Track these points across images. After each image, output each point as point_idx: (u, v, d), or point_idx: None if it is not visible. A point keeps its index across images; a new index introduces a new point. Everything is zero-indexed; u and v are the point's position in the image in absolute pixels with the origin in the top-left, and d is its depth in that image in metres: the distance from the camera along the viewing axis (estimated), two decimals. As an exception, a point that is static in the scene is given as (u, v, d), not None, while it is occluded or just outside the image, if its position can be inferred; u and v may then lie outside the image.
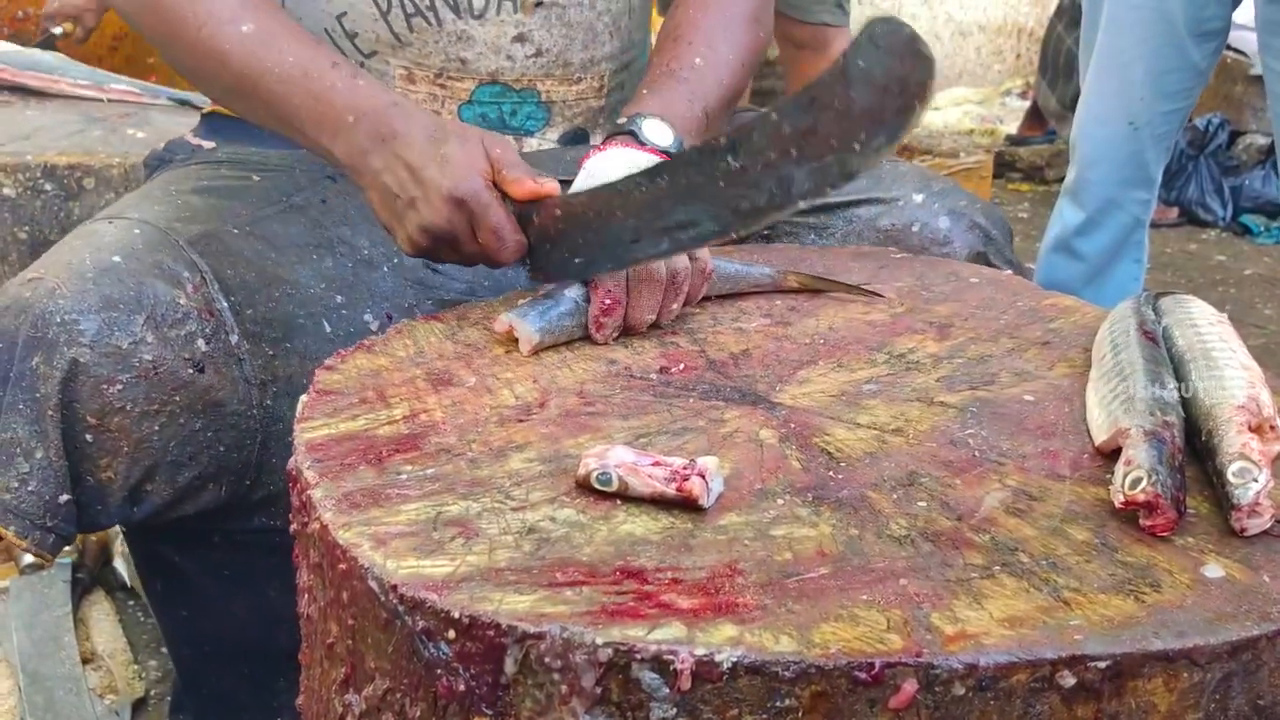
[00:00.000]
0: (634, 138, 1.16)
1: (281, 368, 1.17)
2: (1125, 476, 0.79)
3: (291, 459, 0.87)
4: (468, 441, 0.88)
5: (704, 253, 1.13)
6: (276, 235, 1.23)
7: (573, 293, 1.07)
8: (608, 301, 1.06)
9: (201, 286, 1.14)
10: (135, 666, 1.72)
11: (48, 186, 2.07)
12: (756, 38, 1.34)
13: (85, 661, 1.70)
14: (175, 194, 1.24)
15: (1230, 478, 0.79)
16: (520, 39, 1.31)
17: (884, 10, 6.04)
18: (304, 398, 0.95)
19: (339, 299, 1.23)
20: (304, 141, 1.15)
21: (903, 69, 0.86)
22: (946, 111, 5.82)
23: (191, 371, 1.11)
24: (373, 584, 0.72)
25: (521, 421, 0.92)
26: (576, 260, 1.08)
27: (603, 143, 1.19)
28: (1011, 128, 5.43)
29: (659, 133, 1.16)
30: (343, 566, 0.75)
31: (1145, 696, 0.67)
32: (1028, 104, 5.39)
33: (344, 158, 1.11)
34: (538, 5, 1.30)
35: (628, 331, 1.09)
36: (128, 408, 1.08)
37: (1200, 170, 4.46)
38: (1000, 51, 6.49)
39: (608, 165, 1.12)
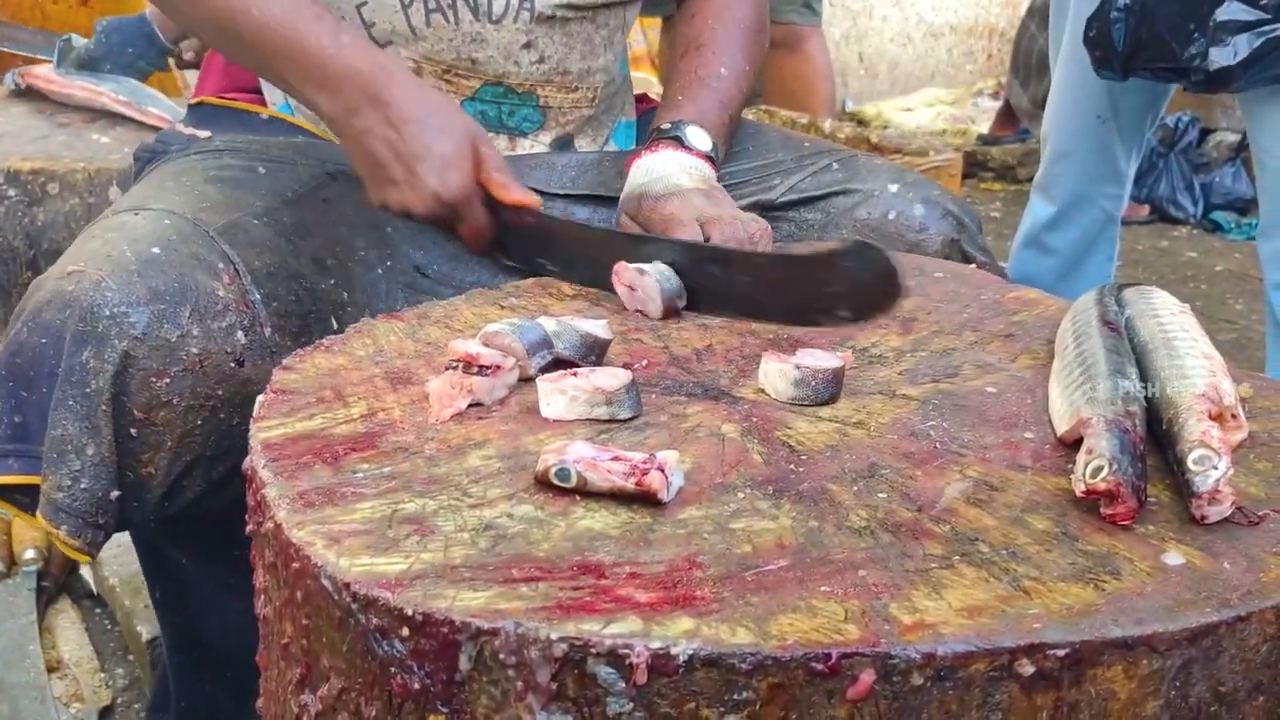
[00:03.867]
0: (679, 142, 1.31)
1: None
2: (1087, 465, 0.78)
3: (247, 459, 0.86)
4: (426, 439, 0.87)
5: (759, 220, 1.22)
6: (288, 228, 1.23)
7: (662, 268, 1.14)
8: None
9: (236, 278, 1.13)
10: (101, 675, 1.71)
11: (11, 192, 2.06)
12: (762, 47, 1.48)
13: (51, 670, 1.68)
14: (189, 185, 1.23)
15: (1190, 465, 0.79)
16: (528, 45, 1.34)
17: (855, 11, 6.05)
18: (261, 398, 0.94)
19: (344, 295, 1.24)
20: (288, 90, 1.21)
21: (879, 285, 1.02)
22: (919, 112, 5.83)
23: (233, 365, 1.10)
24: (326, 583, 0.71)
25: (481, 419, 0.91)
26: (540, 261, 1.23)
27: (650, 144, 1.31)
28: (983, 128, 5.45)
29: (700, 139, 1.32)
30: (296, 565, 0.74)
31: (1105, 684, 0.67)
32: (999, 104, 5.41)
33: (328, 111, 1.16)
34: (550, 18, 1.33)
35: None
36: (174, 401, 1.07)
37: (1171, 168, 4.48)
38: (971, 52, 6.51)
39: (664, 164, 1.29)
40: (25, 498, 1.09)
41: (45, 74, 2.46)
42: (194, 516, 1.15)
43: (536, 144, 1.41)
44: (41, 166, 2.08)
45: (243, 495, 1.14)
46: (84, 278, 1.07)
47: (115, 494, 1.06)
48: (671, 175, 1.27)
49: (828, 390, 0.93)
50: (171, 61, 2.63)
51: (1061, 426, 0.88)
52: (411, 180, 1.14)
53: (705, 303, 1.13)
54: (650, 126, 1.38)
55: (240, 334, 1.11)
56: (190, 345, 1.07)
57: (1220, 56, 1.87)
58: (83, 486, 1.05)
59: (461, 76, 1.33)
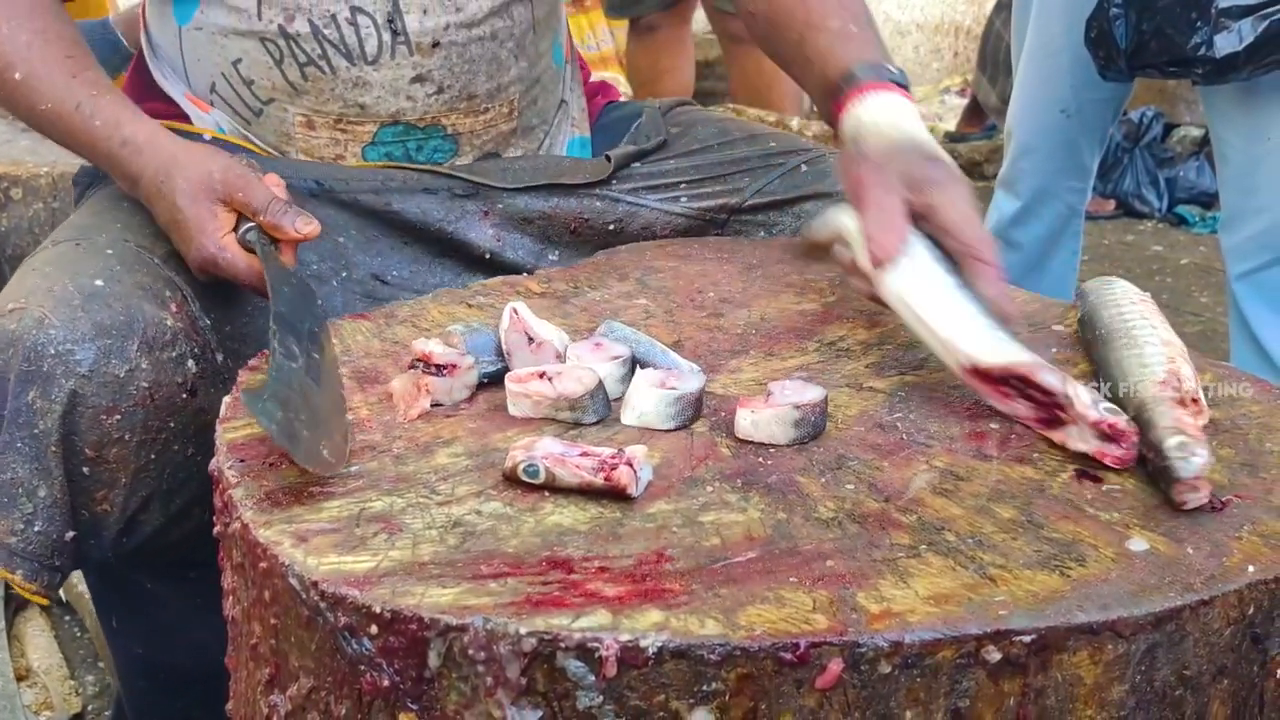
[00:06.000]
0: (898, 85, 1.12)
1: None
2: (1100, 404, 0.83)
3: (213, 460, 0.85)
4: (393, 438, 0.87)
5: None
6: None
7: None
8: None
9: (184, 305, 1.11)
10: (71, 682, 1.70)
11: (-27, 198, 2.04)
12: None
13: (20, 678, 1.67)
14: (131, 210, 1.20)
15: (1171, 451, 0.79)
16: (420, 79, 1.28)
17: (822, 10, 6.05)
18: (227, 399, 0.93)
19: None
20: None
21: None
22: (887, 110, 5.84)
23: (185, 396, 1.08)
24: (293, 581, 0.71)
25: (449, 417, 0.91)
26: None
27: (869, 84, 1.12)
28: (950, 125, 5.47)
29: (907, 83, 1.14)
30: (264, 565, 0.74)
31: (1071, 669, 0.67)
32: (966, 101, 5.44)
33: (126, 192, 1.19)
34: (435, 46, 1.27)
35: None
36: (126, 437, 1.04)
37: (1136, 163, 4.51)
38: (938, 50, 6.54)
39: (908, 115, 1.09)
40: None
41: None
42: (157, 549, 1.13)
43: (456, 168, 1.34)
44: (4, 172, 2.07)
45: (204, 525, 1.13)
46: (26, 315, 1.03)
47: (70, 535, 1.04)
48: (920, 133, 1.09)
49: (823, 420, 0.89)
50: None
51: (984, 358, 0.89)
52: (180, 245, 1.13)
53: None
54: (840, 66, 1.16)
55: (191, 363, 1.09)
56: (140, 379, 1.05)
57: (1225, 43, 1.87)
58: (36, 530, 1.02)
59: (355, 123, 1.29)
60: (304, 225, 1.11)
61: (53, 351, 1.02)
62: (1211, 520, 0.77)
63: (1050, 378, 0.86)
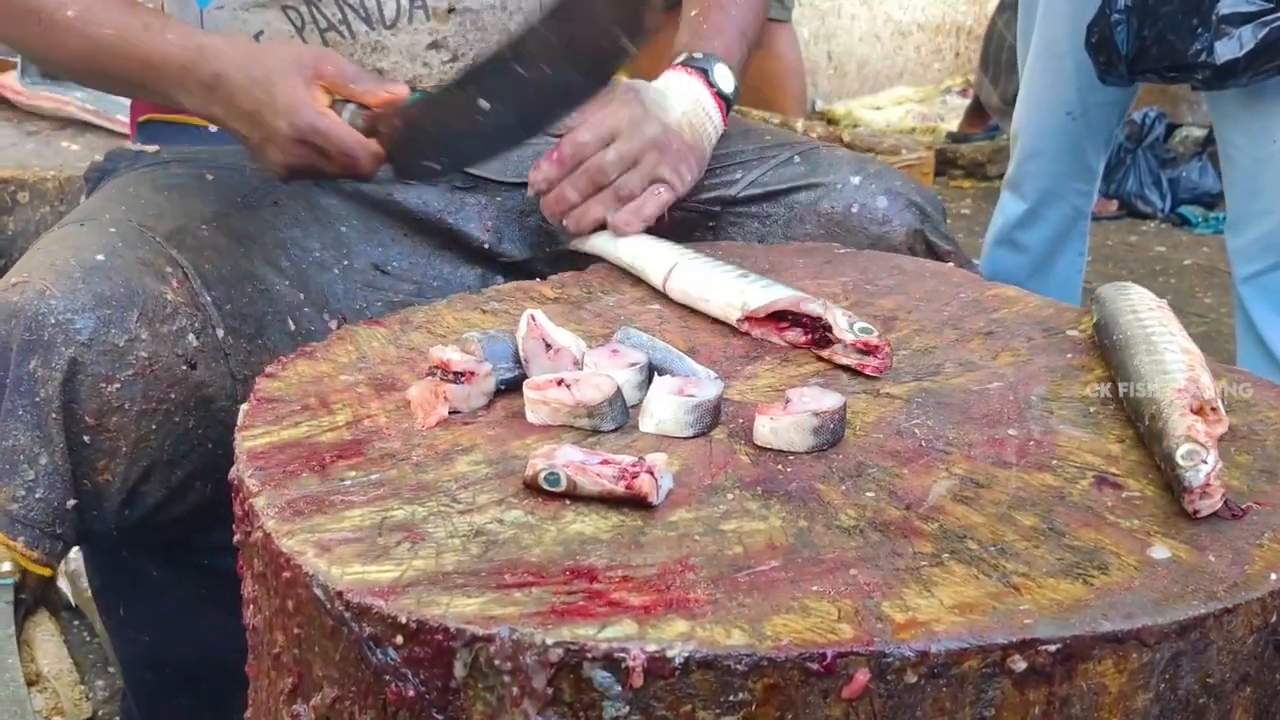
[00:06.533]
0: (705, 76, 1.29)
1: (257, 364, 1.15)
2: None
3: (233, 468, 0.85)
4: (412, 446, 0.87)
5: (670, 174, 1.23)
6: (239, 232, 1.23)
7: None
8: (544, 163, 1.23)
9: (185, 281, 1.13)
10: (82, 687, 1.69)
11: (-20, 202, 2.04)
12: None
13: (30, 684, 1.66)
14: (135, 195, 1.23)
15: (1180, 461, 0.79)
16: (435, 45, 1.32)
17: (823, 10, 6.06)
18: (244, 406, 0.93)
19: (301, 297, 1.23)
20: (163, 101, 1.22)
21: None
22: (888, 111, 5.85)
23: (185, 368, 1.10)
24: (318, 591, 0.71)
25: (467, 424, 0.91)
26: (426, 163, 1.21)
27: (676, 66, 1.30)
28: (952, 126, 5.47)
29: (725, 79, 1.30)
30: (287, 575, 0.74)
31: (1096, 678, 0.67)
32: (968, 102, 5.44)
33: (193, 110, 1.18)
34: (450, 11, 1.31)
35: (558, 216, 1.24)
36: (126, 406, 1.07)
37: (1139, 163, 4.51)
38: (940, 50, 6.54)
39: (678, 90, 1.28)
40: None
41: (11, 84, 2.44)
42: (159, 524, 1.14)
43: None
44: (11, 175, 2.06)
45: (205, 500, 1.14)
46: (28, 287, 1.06)
47: (72, 503, 1.06)
48: (672, 103, 1.26)
49: (841, 428, 0.89)
50: None
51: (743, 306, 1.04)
52: (268, 135, 1.12)
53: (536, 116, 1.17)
54: (674, 47, 1.34)
55: (191, 337, 1.11)
56: (139, 349, 1.07)
57: (1226, 50, 1.89)
58: (38, 496, 1.04)
59: None
60: (394, 86, 1.16)
61: (53, 321, 1.04)
62: (1232, 527, 0.77)
63: (812, 305, 1.01)
